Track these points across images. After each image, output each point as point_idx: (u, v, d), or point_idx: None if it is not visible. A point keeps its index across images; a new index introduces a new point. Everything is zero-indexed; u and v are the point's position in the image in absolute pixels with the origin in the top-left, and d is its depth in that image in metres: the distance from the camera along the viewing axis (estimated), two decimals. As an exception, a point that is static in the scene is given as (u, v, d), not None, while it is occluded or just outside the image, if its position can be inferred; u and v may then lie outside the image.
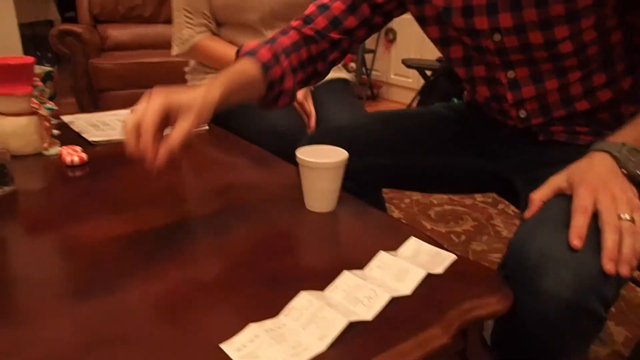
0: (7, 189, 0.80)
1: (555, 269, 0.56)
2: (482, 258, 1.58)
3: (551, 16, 0.71)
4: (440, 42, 0.87)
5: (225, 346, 0.47)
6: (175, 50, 1.36)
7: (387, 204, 1.10)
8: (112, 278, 0.59)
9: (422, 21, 0.87)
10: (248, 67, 0.79)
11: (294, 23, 0.89)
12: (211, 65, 1.34)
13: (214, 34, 1.32)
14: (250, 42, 0.86)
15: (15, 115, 0.94)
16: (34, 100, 0.94)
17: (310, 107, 1.24)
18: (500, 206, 1.96)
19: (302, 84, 0.90)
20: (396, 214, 1.87)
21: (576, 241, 0.56)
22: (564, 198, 0.63)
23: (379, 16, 0.90)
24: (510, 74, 0.80)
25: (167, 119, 0.63)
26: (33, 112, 0.95)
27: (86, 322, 0.51)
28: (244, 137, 1.17)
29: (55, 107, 0.97)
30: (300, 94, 1.23)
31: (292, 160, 0.91)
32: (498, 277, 0.61)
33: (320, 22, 0.87)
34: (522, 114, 0.82)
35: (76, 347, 0.48)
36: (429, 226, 1.78)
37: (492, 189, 0.99)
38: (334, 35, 0.88)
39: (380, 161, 0.93)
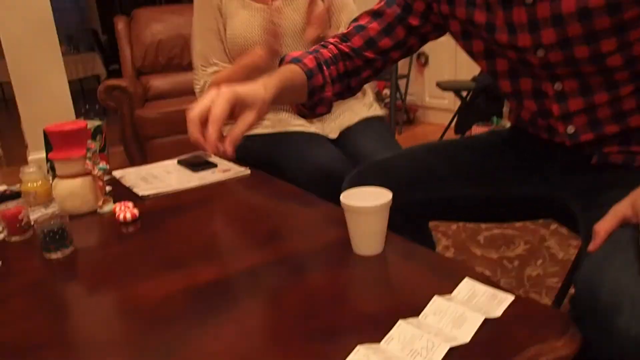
0: (66, 250, 0.84)
1: (631, 306, 0.53)
2: (539, 283, 1.51)
3: (597, 30, 0.69)
4: (484, 56, 0.86)
5: (286, 409, 0.46)
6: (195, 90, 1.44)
7: (434, 232, 1.09)
8: (170, 337, 0.60)
9: (466, 36, 0.87)
10: (294, 72, 0.84)
11: (332, 39, 0.94)
12: None
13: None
14: (294, 52, 0.91)
15: (71, 178, 1.00)
16: (87, 161, 1.00)
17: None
18: (553, 226, 1.88)
19: (337, 96, 0.93)
20: (444, 241, 1.83)
21: None
22: (631, 228, 0.60)
23: (414, 38, 0.92)
24: (558, 86, 0.77)
25: (231, 112, 0.68)
26: (87, 173, 1.00)
27: (148, 387, 0.52)
28: (287, 178, 1.18)
29: (107, 167, 1.02)
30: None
31: (337, 199, 0.92)
32: (562, 317, 0.58)
33: (357, 41, 0.91)
34: (570, 129, 0.79)
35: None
36: (479, 253, 1.73)
37: (547, 215, 0.96)
38: (369, 54, 0.91)
39: (430, 195, 0.92)
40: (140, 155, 2.75)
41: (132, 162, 2.75)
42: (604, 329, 0.55)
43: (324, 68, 0.88)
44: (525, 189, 0.90)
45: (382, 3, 0.91)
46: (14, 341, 0.62)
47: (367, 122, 1.37)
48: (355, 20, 0.94)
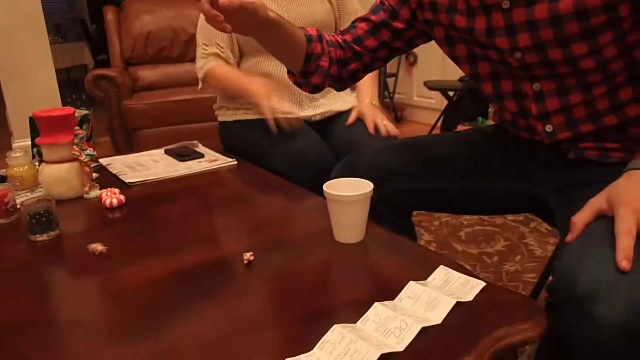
0: (52, 233, 0.85)
1: (607, 295, 0.56)
2: (516, 278, 1.55)
3: (567, 34, 0.73)
4: (467, 60, 0.90)
5: (263, 382, 0.49)
6: (199, 84, 1.45)
7: (416, 227, 1.11)
8: (154, 320, 0.61)
9: (449, 41, 0.91)
10: (295, 29, 0.90)
11: (332, 34, 1.00)
12: (222, 91, 1.43)
13: (226, 62, 1.40)
14: None
15: (58, 163, 1.01)
16: (75, 147, 1.00)
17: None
18: (533, 224, 1.93)
19: (332, 79, 0.98)
20: (426, 237, 1.87)
21: (624, 263, 0.56)
22: (606, 220, 0.63)
23: (400, 41, 0.96)
24: (536, 86, 0.81)
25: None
26: (74, 159, 1.01)
27: (132, 362, 0.54)
28: (272, 169, 1.20)
29: (94, 153, 1.03)
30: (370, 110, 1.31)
31: (320, 189, 0.95)
32: (529, 303, 0.61)
33: (348, 36, 0.97)
34: (549, 128, 0.83)
35: (124, 386, 0.51)
36: (460, 248, 1.77)
37: (526, 209, 0.99)
38: (357, 48, 0.97)
39: (415, 186, 0.95)
40: (127, 145, 2.73)
41: (119, 152, 2.72)
42: (580, 316, 0.57)
43: (324, 42, 0.94)
44: (507, 184, 0.93)
45: (369, 11, 0.97)
46: (1, 321, 0.63)
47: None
48: (353, 22, 1.00)
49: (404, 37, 0.96)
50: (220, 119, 1.47)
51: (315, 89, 0.98)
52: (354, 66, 0.98)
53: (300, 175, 1.15)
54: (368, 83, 1.40)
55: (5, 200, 0.90)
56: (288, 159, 1.21)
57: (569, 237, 0.65)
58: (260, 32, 0.84)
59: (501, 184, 0.94)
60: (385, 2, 0.95)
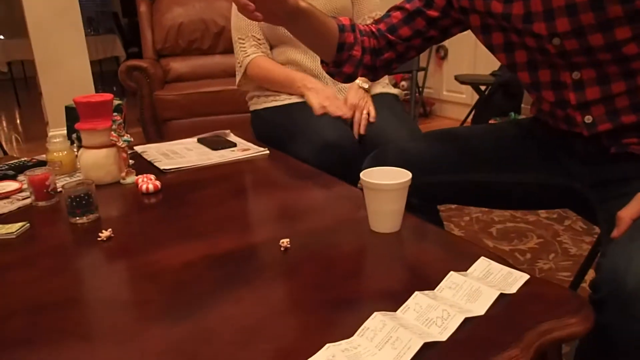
0: (92, 216, 0.86)
1: None
2: (550, 277, 1.51)
3: (610, 18, 0.69)
4: (503, 48, 0.87)
5: (305, 366, 0.48)
6: (237, 79, 1.45)
7: (446, 222, 1.10)
8: (190, 302, 0.62)
9: (485, 29, 0.88)
10: (327, 19, 0.90)
11: (365, 26, 0.99)
12: (265, 85, 1.42)
13: (266, 54, 1.41)
14: None
15: (96, 148, 1.02)
16: (112, 133, 1.02)
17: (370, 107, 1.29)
18: (567, 222, 1.87)
19: (365, 69, 0.97)
20: (456, 232, 1.84)
21: None
22: None
23: (435, 30, 0.94)
24: (576, 74, 0.78)
25: None
26: (112, 145, 1.03)
27: (169, 344, 0.54)
28: (298, 153, 1.20)
29: (131, 139, 1.04)
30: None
31: (344, 176, 0.94)
32: (576, 297, 0.59)
33: (383, 25, 0.96)
34: (588, 119, 0.79)
35: (165, 365, 0.51)
36: (491, 244, 1.73)
37: (563, 204, 0.96)
38: (390, 37, 0.95)
39: (447, 179, 0.93)
40: (158, 136, 2.77)
41: (150, 142, 2.78)
42: (628, 314, 0.55)
43: (357, 32, 0.93)
44: (544, 178, 0.90)
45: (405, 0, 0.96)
46: (37, 299, 0.64)
47: (381, 97, 1.39)
48: (388, 11, 0.99)
49: (439, 25, 0.93)
50: (252, 108, 1.49)
51: (348, 79, 0.97)
52: (388, 55, 0.97)
53: (324, 162, 1.15)
54: None
55: (47, 183, 0.92)
56: (313, 145, 1.21)
57: (616, 233, 0.63)
58: (291, 22, 0.84)
59: (537, 178, 0.91)
60: None
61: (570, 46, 0.75)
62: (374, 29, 0.96)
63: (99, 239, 0.78)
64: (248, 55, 1.40)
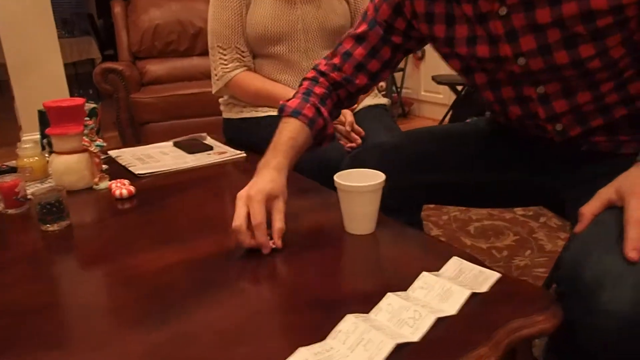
0: (63, 223, 0.85)
1: (613, 285, 0.55)
2: (526, 273, 1.54)
3: (574, 34, 0.71)
4: (463, 72, 0.88)
5: (277, 370, 0.48)
6: (214, 89, 1.39)
7: (425, 222, 1.10)
8: (167, 307, 0.61)
9: (443, 55, 0.89)
10: (297, 130, 0.87)
11: (323, 68, 0.94)
12: (246, 100, 1.37)
13: (249, 68, 1.35)
14: (290, 99, 0.92)
15: (68, 153, 1.00)
16: (84, 138, 1.00)
17: (358, 128, 1.27)
18: (542, 219, 1.91)
19: (334, 118, 0.97)
20: (435, 231, 1.86)
21: (632, 254, 0.56)
22: (616, 211, 0.62)
23: (400, 54, 0.94)
24: (540, 89, 0.79)
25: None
26: (84, 150, 1.01)
27: (147, 350, 0.54)
28: None
29: (104, 144, 1.03)
30: (349, 116, 1.27)
31: (330, 183, 0.94)
32: (545, 295, 0.61)
33: (347, 69, 0.93)
34: (559, 127, 0.82)
35: (136, 374, 0.50)
36: (469, 242, 1.76)
37: (538, 202, 0.98)
38: (360, 80, 0.93)
39: (426, 178, 0.94)
40: (135, 139, 2.74)
41: (127, 146, 2.74)
42: (587, 306, 0.57)
43: (322, 109, 0.90)
44: (519, 177, 0.92)
45: (365, 26, 0.92)
46: (12, 305, 0.63)
47: (371, 109, 1.38)
48: (340, 44, 0.95)
49: (404, 48, 0.93)
50: (225, 115, 1.44)
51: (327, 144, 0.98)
52: (357, 97, 0.99)
53: (306, 169, 1.14)
54: None
55: (16, 190, 0.91)
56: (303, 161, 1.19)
57: (577, 228, 0.65)
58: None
59: (513, 176, 0.93)
60: (377, 18, 0.90)
61: (535, 65, 0.76)
62: (337, 78, 0.93)
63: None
64: (230, 71, 1.32)
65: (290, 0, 1.31)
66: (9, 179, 0.91)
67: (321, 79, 0.94)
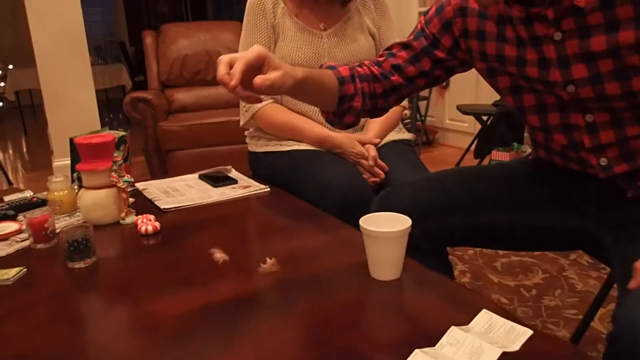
0: (89, 260, 0.85)
1: None
2: (556, 314, 1.48)
3: (627, 66, 0.69)
4: (511, 92, 0.87)
5: None
6: (242, 121, 1.41)
7: (450, 256, 1.08)
8: (190, 352, 0.60)
9: (491, 73, 0.88)
10: (327, 75, 0.90)
11: (367, 62, 0.98)
12: (272, 133, 1.38)
13: (275, 100, 1.36)
14: (332, 62, 0.96)
15: (96, 189, 1.02)
16: (113, 174, 1.02)
17: (382, 163, 1.27)
18: (573, 256, 1.85)
19: (365, 112, 0.97)
20: (460, 266, 1.81)
21: None
22: None
23: (440, 70, 0.95)
24: (589, 117, 0.78)
25: (258, 68, 0.75)
26: (112, 185, 1.03)
27: (165, 403, 0.53)
28: (305, 198, 1.19)
29: (131, 179, 1.04)
30: (372, 151, 1.27)
31: (353, 221, 0.93)
32: (579, 355, 0.58)
33: (386, 66, 0.96)
34: (603, 161, 0.79)
35: None
36: (496, 279, 1.71)
37: (577, 246, 0.95)
38: (395, 79, 0.95)
39: (457, 222, 0.92)
40: (161, 166, 2.79)
41: (153, 172, 2.79)
42: None
43: (357, 80, 0.93)
44: (556, 220, 0.89)
45: (411, 36, 0.95)
46: (35, 350, 0.63)
47: (395, 144, 1.37)
48: (389, 48, 0.98)
49: (445, 66, 0.94)
50: (250, 148, 1.46)
51: (348, 127, 0.99)
52: (392, 98, 0.98)
53: (328, 206, 1.13)
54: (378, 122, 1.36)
55: (45, 225, 0.92)
56: (317, 189, 1.19)
57: (633, 284, 0.62)
58: (291, 92, 0.84)
59: (550, 220, 0.89)
60: (426, 30, 0.92)
61: (585, 94, 0.75)
62: (376, 72, 0.96)
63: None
64: (254, 105, 1.34)
65: (317, 34, 1.33)
66: (39, 213, 0.93)
67: (365, 67, 0.97)
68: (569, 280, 1.69)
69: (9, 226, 1.01)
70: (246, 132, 1.51)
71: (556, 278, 1.70)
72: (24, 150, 4.67)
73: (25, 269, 0.83)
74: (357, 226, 0.77)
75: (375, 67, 0.97)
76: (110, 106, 6.87)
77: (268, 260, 0.77)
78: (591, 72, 0.72)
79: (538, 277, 1.71)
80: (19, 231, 1.00)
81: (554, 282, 1.67)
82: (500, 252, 1.91)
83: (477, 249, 1.94)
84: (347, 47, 1.35)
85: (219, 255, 0.79)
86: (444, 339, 0.60)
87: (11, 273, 0.81)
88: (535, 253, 1.88)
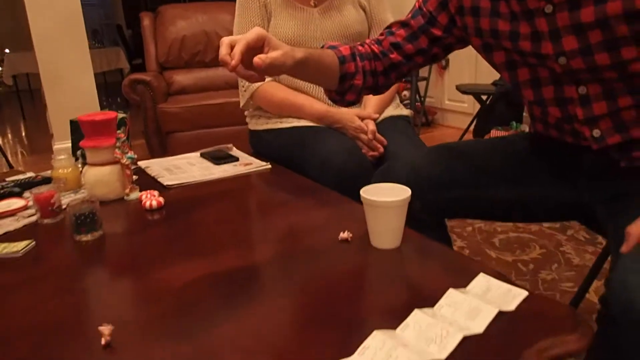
0: (96, 234, 0.87)
1: None
2: (553, 287, 1.51)
3: (617, 37, 0.70)
4: (506, 67, 0.88)
5: (305, 386, 0.49)
6: (241, 102, 1.43)
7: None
8: (193, 322, 0.62)
9: (487, 48, 0.89)
10: (328, 54, 0.93)
11: (368, 41, 1.01)
12: (271, 111, 1.39)
13: (273, 79, 1.37)
14: (332, 42, 0.99)
15: (100, 165, 1.04)
16: (116, 150, 1.03)
17: (381, 137, 1.29)
18: (570, 232, 1.87)
19: (366, 89, 1.00)
20: (458, 242, 1.84)
21: None
22: None
23: (438, 47, 0.97)
24: (582, 89, 0.79)
25: (258, 48, 0.78)
26: (116, 162, 1.04)
27: (175, 362, 0.55)
28: (305, 173, 1.21)
29: (135, 156, 1.06)
30: (371, 125, 1.28)
31: (353, 195, 0.95)
32: (574, 314, 0.60)
33: (386, 44, 0.98)
34: (596, 133, 0.80)
35: (168, 386, 0.52)
36: (494, 255, 1.74)
37: (572, 217, 0.97)
38: (394, 57, 0.97)
39: (456, 194, 0.94)
40: (161, 148, 2.80)
41: (153, 154, 2.80)
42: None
43: (358, 59, 0.95)
44: (552, 192, 0.91)
45: (409, 15, 0.97)
46: (46, 319, 0.65)
47: (393, 120, 1.38)
48: (389, 27, 1.00)
49: (442, 43, 0.96)
50: (250, 127, 1.47)
51: (350, 104, 1.01)
52: (393, 75, 1.00)
53: (327, 180, 1.15)
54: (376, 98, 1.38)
55: (52, 201, 0.94)
56: (317, 164, 1.21)
57: (624, 248, 0.63)
58: (291, 72, 0.86)
59: (545, 192, 0.91)
60: (424, 8, 0.94)
61: (576, 65, 0.76)
62: (376, 50, 0.98)
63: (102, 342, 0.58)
64: (252, 84, 1.35)
65: (308, 11, 1.33)
66: (45, 189, 0.94)
67: (365, 45, 0.99)
68: (566, 255, 1.72)
69: (16, 202, 1.02)
70: (246, 112, 1.52)
71: (553, 253, 1.73)
72: (23, 134, 4.67)
73: (34, 242, 0.85)
74: (356, 200, 0.79)
75: (376, 45, 0.99)
76: (108, 90, 6.84)
77: (342, 234, 0.80)
78: (581, 43, 0.74)
79: (535, 252, 1.74)
80: (25, 207, 1.01)
81: (551, 257, 1.70)
82: (499, 228, 1.93)
83: (476, 226, 1.96)
84: (338, 22, 1.36)
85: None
86: (442, 300, 0.62)
87: (20, 245, 0.83)
88: (533, 229, 1.91)
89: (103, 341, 0.57)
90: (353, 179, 1.10)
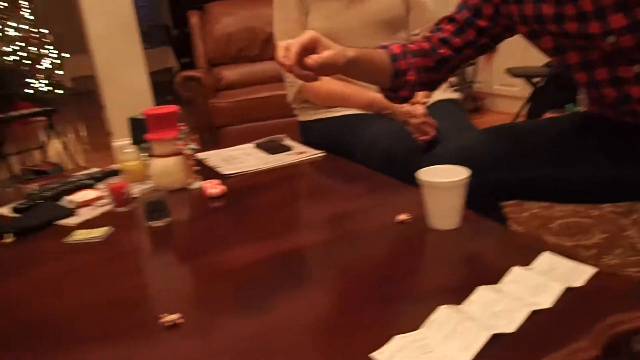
0: (166, 220, 0.93)
1: None
2: (618, 272, 1.46)
3: None
4: (555, 52, 0.87)
5: (377, 354, 0.51)
6: (289, 96, 1.45)
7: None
8: (259, 298, 0.66)
9: (533, 35, 0.88)
10: (380, 53, 0.96)
11: (419, 38, 1.04)
12: (320, 103, 1.41)
13: None
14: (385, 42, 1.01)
15: (164, 157, 1.09)
16: (179, 142, 1.09)
17: (432, 119, 1.27)
18: (634, 216, 1.79)
19: (421, 86, 1.02)
20: (514, 227, 1.80)
21: None
22: None
23: (486, 38, 0.97)
24: (636, 68, 0.77)
25: (312, 50, 0.83)
26: (179, 153, 1.09)
27: (241, 339, 0.58)
28: (353, 158, 1.22)
29: (197, 147, 1.11)
30: (421, 109, 1.27)
31: (400, 177, 0.96)
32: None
33: (434, 40, 1.00)
34: None
35: None
36: (552, 240, 1.69)
37: (634, 197, 0.94)
38: (444, 52, 0.98)
39: (510, 176, 0.93)
40: (213, 142, 2.88)
41: (206, 148, 2.89)
42: None
43: (409, 56, 0.97)
44: (610, 172, 0.88)
45: (455, 10, 0.99)
46: (119, 295, 0.70)
47: (442, 104, 1.37)
48: (437, 23, 1.02)
49: (489, 34, 0.96)
50: (300, 118, 1.49)
51: (404, 100, 1.03)
52: (444, 70, 1.01)
53: (373, 163, 1.16)
54: None
55: (124, 190, 1.00)
56: (363, 148, 1.22)
57: None
58: (344, 71, 0.90)
59: (603, 172, 0.89)
60: (468, 1, 0.95)
61: (626, 42, 0.74)
62: (426, 47, 0.99)
63: (161, 321, 0.61)
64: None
65: (344, 2, 1.34)
66: (117, 180, 1.01)
67: (416, 43, 1.02)
68: (630, 239, 1.65)
69: (90, 194, 1.10)
70: (294, 105, 1.55)
71: (617, 238, 1.67)
72: (84, 134, 4.93)
73: (113, 228, 0.92)
74: (404, 182, 0.80)
75: (425, 42, 1.01)
76: (157, 88, 7.07)
77: (399, 216, 0.82)
78: (630, 20, 0.72)
79: (597, 237, 1.68)
80: (99, 198, 1.09)
81: (615, 242, 1.64)
82: (557, 213, 1.88)
83: (533, 211, 1.91)
84: (372, 8, 1.35)
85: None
86: (506, 278, 0.62)
87: (102, 231, 0.89)
88: (593, 214, 1.84)
89: (169, 322, 0.60)
90: (400, 162, 1.11)
